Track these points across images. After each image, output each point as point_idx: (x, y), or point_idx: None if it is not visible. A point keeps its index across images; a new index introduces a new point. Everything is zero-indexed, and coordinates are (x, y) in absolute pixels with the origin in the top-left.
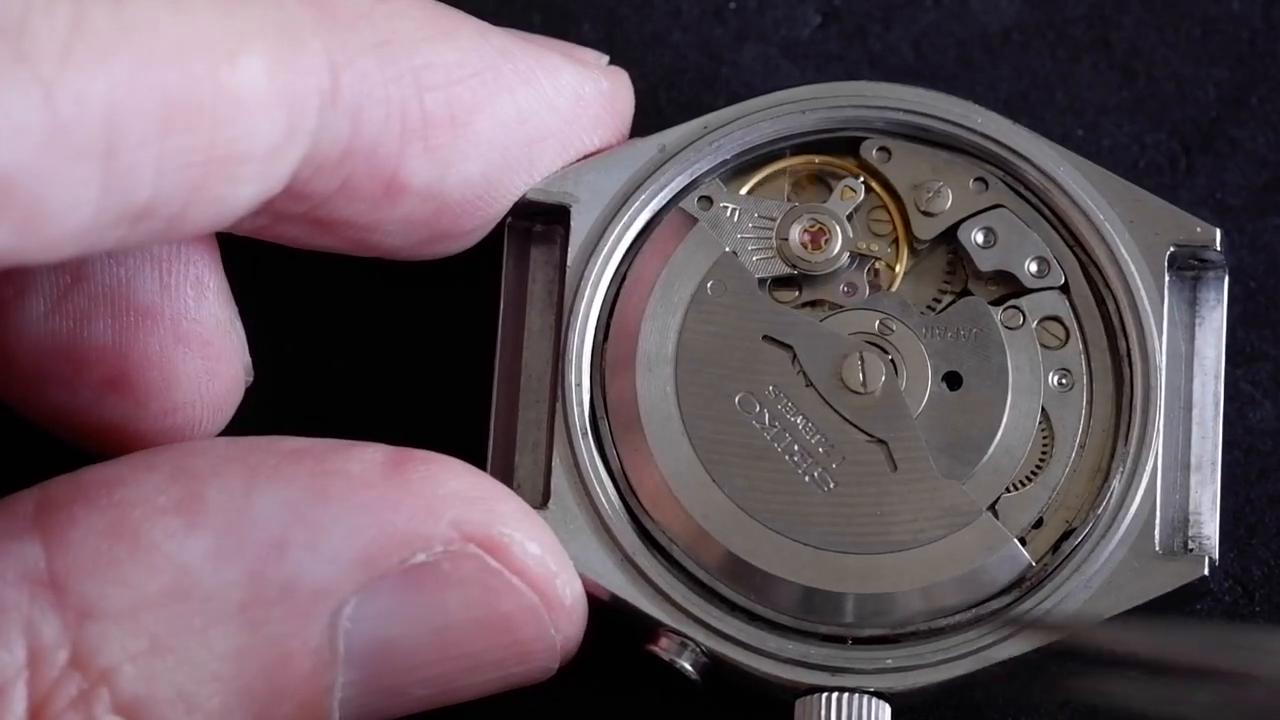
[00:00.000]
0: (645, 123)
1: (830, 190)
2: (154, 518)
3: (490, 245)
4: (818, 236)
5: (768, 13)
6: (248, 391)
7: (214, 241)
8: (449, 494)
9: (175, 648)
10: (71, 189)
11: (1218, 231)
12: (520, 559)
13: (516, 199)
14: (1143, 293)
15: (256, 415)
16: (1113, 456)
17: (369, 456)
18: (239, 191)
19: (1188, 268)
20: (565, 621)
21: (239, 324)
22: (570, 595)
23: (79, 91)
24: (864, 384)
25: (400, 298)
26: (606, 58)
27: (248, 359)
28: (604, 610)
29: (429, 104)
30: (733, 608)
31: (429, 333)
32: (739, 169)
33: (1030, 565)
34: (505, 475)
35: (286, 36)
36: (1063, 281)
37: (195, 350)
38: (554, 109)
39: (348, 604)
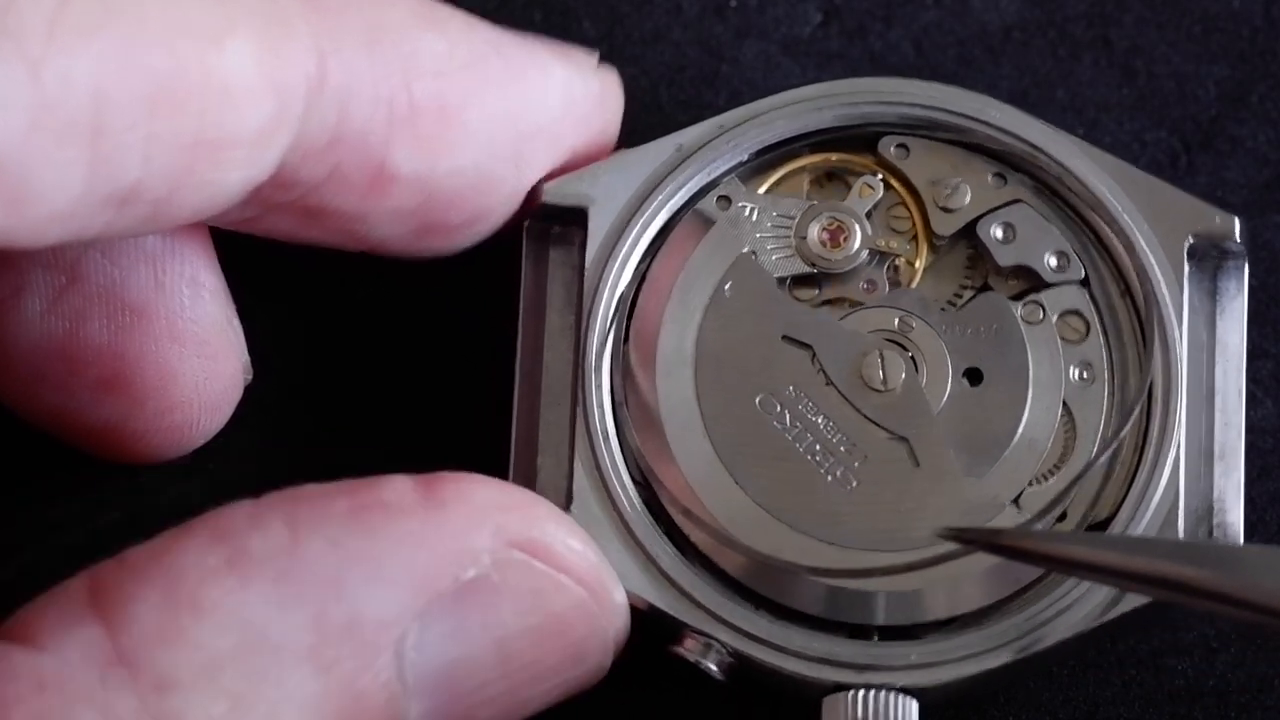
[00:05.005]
0: (646, 120)
1: (849, 188)
2: (208, 579)
3: (502, 248)
4: (836, 234)
5: (768, 10)
6: (248, 391)
7: (209, 240)
8: (484, 506)
9: (255, 703)
10: (58, 169)
11: (1237, 221)
12: (565, 557)
13: (503, 195)
14: (1162, 284)
15: (256, 416)
16: (1135, 449)
17: (399, 485)
18: (227, 177)
19: (1208, 257)
20: (613, 613)
21: (237, 323)
22: (614, 585)
23: (65, 71)
24: (884, 381)
25: (406, 297)
26: (596, 57)
27: (246, 358)
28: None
29: (417, 93)
30: (757, 607)
31: (434, 333)
32: (757, 168)
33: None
34: (528, 477)
35: (274, 22)
36: (1083, 275)
37: (191, 349)
38: (544, 105)
39: (409, 632)
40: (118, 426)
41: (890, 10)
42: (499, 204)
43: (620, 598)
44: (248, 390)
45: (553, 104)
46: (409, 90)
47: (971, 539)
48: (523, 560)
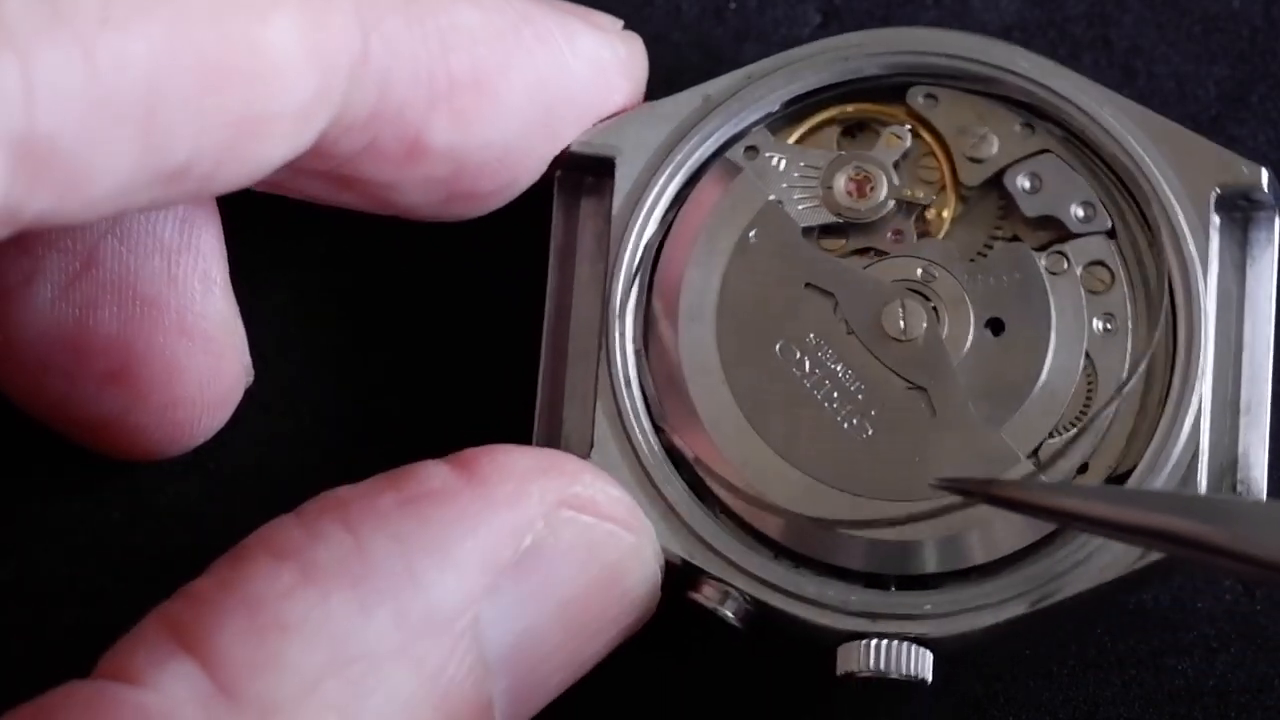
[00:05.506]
0: None
1: (879, 138)
2: (286, 598)
3: (507, 215)
4: (863, 184)
5: (768, 12)
6: (247, 390)
7: (221, 235)
8: (524, 472)
9: (360, 712)
10: (111, 150)
11: (1264, 171)
12: (608, 506)
13: (533, 163)
14: (1188, 234)
15: (256, 415)
16: (1160, 400)
17: (436, 469)
18: (270, 151)
19: (1236, 208)
20: (656, 553)
21: (240, 322)
22: (650, 525)
23: (118, 52)
24: (904, 331)
25: (404, 290)
26: (621, 22)
27: (248, 359)
28: None
29: (454, 66)
30: (774, 555)
31: (432, 323)
32: (786, 119)
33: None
34: (553, 426)
35: None
36: (1109, 226)
37: (199, 345)
38: (572, 73)
39: (482, 611)
40: (120, 420)
41: (890, 11)
42: (528, 171)
43: (654, 533)
44: (247, 389)
45: (581, 71)
46: (446, 64)
47: (967, 489)
48: (572, 517)
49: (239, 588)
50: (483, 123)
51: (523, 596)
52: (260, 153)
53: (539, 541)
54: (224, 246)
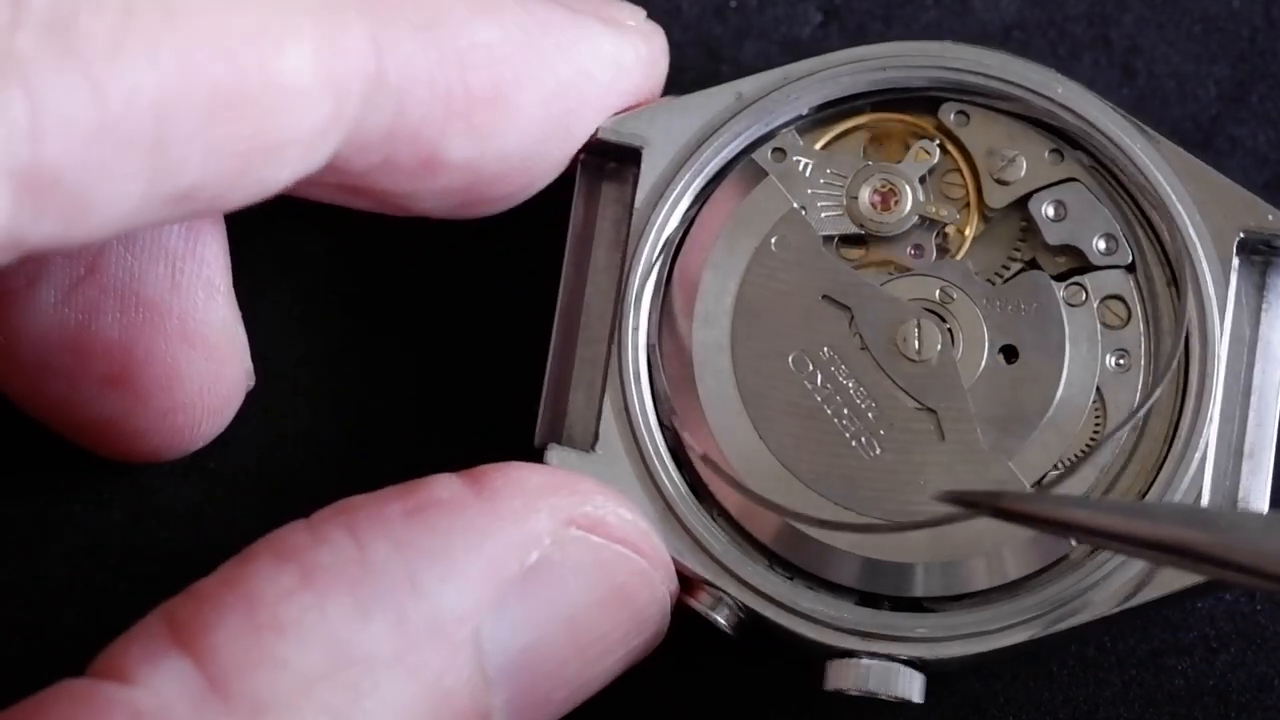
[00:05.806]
0: None
1: (907, 150)
2: (286, 599)
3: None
4: (888, 198)
5: (768, 11)
6: (247, 394)
7: (226, 242)
8: (535, 490)
9: (354, 714)
10: (118, 180)
11: None
12: (619, 528)
13: (550, 166)
14: (1208, 276)
15: (256, 415)
16: (1165, 440)
17: (448, 481)
18: (280, 173)
19: (1258, 253)
20: (667, 576)
21: (242, 329)
22: (664, 549)
23: (129, 85)
24: (918, 351)
25: (405, 289)
26: (643, 13)
27: (249, 364)
28: None
29: (472, 83)
30: (770, 565)
31: (434, 322)
32: (816, 122)
33: (1070, 545)
34: (558, 412)
35: (331, 20)
36: (1130, 261)
37: (200, 351)
38: (593, 79)
39: (484, 624)
40: (119, 423)
41: (890, 10)
42: (545, 174)
43: (669, 558)
44: (249, 389)
45: (601, 76)
46: (464, 81)
47: (972, 501)
48: (581, 536)
49: (240, 587)
50: (501, 136)
51: (527, 612)
52: (270, 175)
53: (546, 558)
54: (228, 253)
